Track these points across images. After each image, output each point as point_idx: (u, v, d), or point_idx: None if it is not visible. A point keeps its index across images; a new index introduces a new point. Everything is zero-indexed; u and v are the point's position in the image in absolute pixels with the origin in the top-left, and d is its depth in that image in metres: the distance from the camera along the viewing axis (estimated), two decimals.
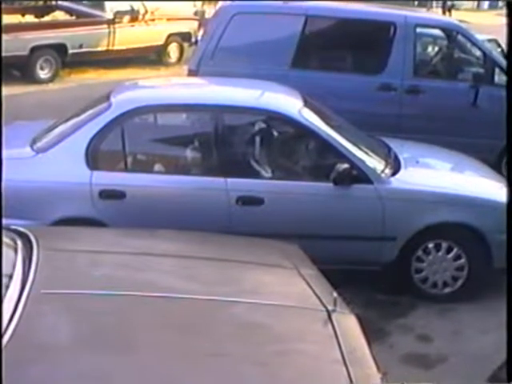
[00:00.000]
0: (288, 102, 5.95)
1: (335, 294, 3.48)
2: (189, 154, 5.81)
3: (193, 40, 15.65)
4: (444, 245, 5.70)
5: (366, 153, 5.82)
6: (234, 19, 8.11)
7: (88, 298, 3.23)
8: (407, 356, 5.03)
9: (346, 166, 5.46)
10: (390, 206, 5.55)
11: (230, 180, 5.45)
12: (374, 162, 5.76)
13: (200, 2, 17.92)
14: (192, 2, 17.43)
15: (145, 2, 15.32)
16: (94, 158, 5.43)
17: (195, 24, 16.49)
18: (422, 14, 12.36)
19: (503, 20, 11.35)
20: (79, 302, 3.19)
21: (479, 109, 8.13)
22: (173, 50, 16.33)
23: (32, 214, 5.13)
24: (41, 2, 17.22)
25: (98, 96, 6.12)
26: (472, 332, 5.37)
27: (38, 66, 13.64)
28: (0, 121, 4.85)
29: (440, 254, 5.71)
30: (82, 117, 5.72)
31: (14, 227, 3.80)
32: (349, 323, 3.36)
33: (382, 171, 5.69)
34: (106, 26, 14.79)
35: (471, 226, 5.65)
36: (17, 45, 12.96)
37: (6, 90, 10.64)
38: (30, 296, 3.08)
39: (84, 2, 15.56)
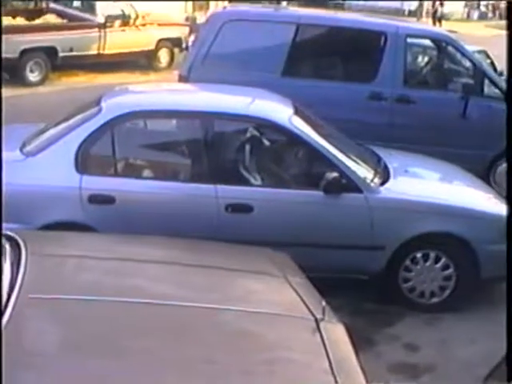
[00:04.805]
0: (278, 110, 5.95)
1: (324, 303, 3.48)
2: (179, 160, 5.81)
3: (183, 46, 15.68)
4: (432, 255, 5.71)
5: (356, 162, 5.83)
6: (226, 26, 8.11)
7: (76, 304, 3.22)
8: (395, 365, 5.04)
9: (335, 174, 5.46)
10: (379, 215, 5.56)
11: (219, 187, 5.45)
12: (364, 171, 5.77)
13: (191, 8, 17.94)
14: (183, 8, 17.45)
15: (135, 6, 15.31)
16: (84, 162, 5.42)
17: (186, 30, 16.51)
18: (412, 24, 12.41)
19: (493, 32, 11.46)
20: (67, 307, 3.18)
21: (469, 119, 8.16)
22: (163, 55, 16.35)
23: (21, 218, 5.09)
24: (32, 5, 17.21)
25: (89, 100, 6.11)
26: (459, 341, 5.38)
27: (27, 69, 13.62)
28: (0, 124, 4.83)
29: (428, 263, 5.72)
30: (73, 121, 5.70)
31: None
32: (337, 332, 3.36)
33: (372, 180, 5.70)
34: (96, 29, 14.80)
35: (459, 236, 5.65)
36: (7, 47, 12.91)
37: None
38: (17, 301, 3.06)
39: (75, 6, 15.56)
